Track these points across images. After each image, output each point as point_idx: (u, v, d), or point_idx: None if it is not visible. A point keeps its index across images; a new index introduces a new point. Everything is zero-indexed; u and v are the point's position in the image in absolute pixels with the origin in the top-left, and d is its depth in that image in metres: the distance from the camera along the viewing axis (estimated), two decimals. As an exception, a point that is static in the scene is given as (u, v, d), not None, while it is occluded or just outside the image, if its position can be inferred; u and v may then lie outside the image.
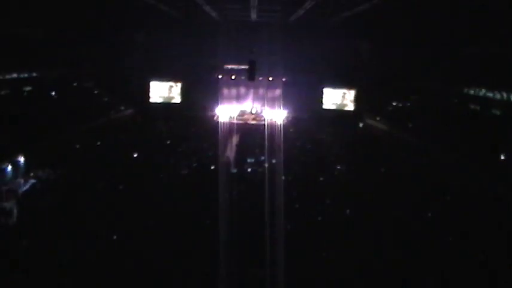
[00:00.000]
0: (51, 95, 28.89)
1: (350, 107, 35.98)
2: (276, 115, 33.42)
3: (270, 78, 35.22)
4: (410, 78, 33.47)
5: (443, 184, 19.73)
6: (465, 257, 13.17)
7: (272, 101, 35.19)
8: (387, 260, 12.88)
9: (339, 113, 35.55)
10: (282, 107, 34.25)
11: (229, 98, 35.91)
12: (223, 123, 30.45)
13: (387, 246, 14.05)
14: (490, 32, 23.03)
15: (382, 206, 17.48)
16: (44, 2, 23.37)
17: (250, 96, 36.54)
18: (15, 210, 16.46)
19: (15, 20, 25.03)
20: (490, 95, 25.47)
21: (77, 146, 25.26)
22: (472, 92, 27.14)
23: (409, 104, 34.19)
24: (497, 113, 24.41)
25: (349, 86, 35.77)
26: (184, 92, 36.06)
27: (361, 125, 35.03)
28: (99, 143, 26.09)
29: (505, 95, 24.06)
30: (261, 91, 36.10)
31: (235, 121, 33.01)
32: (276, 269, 11.85)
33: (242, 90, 36.68)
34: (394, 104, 35.18)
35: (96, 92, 34.54)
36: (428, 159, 24.27)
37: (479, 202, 16.97)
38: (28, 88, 28.02)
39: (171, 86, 36.14)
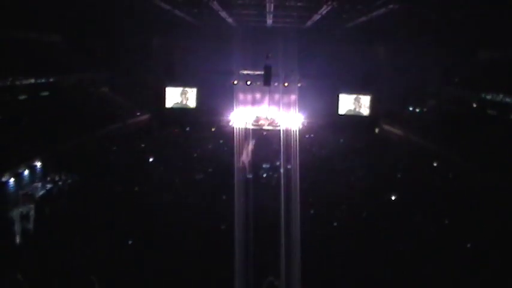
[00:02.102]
0: (68, 100, 29.12)
1: (365, 112, 35.74)
2: (291, 121, 33.31)
3: (286, 84, 35.14)
4: (426, 83, 33.22)
5: (461, 190, 19.46)
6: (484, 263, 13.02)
7: (287, 107, 35.11)
8: (405, 268, 12.70)
9: (354, 119, 35.33)
10: (297, 113, 34.14)
11: (245, 104, 35.90)
12: (239, 128, 30.39)
13: (404, 253, 13.87)
14: (507, 37, 22.81)
15: (398, 212, 17.31)
16: (62, 9, 23.66)
17: (266, 101, 36.47)
18: (32, 214, 16.56)
19: (34, 26, 25.40)
20: (508, 100, 25.15)
21: (93, 151, 25.44)
22: (489, 97, 26.81)
23: (425, 109, 33.87)
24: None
25: (364, 92, 35.54)
26: (199, 98, 36.13)
27: (377, 130, 34.76)
28: (115, 148, 26.23)
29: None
30: (277, 96, 36.00)
31: (250, 126, 32.95)
32: (292, 277, 11.74)
33: (257, 95, 36.65)
34: (410, 109, 34.90)
35: (112, 97, 34.79)
36: (445, 165, 23.98)
37: (498, 207, 16.72)
38: (45, 93, 28.28)
39: (187, 92, 36.22)
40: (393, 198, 19.22)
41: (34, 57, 27.19)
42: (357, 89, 35.60)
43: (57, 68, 29.25)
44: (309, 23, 28.48)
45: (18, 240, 14.95)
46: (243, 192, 17.29)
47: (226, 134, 29.94)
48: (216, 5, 23.32)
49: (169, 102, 36.29)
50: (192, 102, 36.25)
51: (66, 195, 19.35)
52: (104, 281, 11.56)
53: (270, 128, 33.79)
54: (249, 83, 35.53)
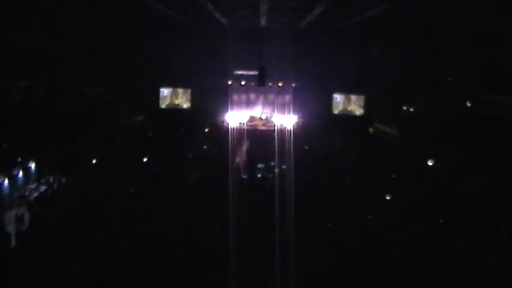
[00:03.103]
0: (62, 102, 28.99)
1: (360, 112, 35.78)
2: (286, 121, 33.33)
3: (280, 84, 35.09)
4: (421, 83, 33.28)
5: (456, 191, 19.55)
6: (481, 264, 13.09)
7: (282, 107, 35.09)
8: (401, 267, 12.77)
9: (349, 118, 35.36)
10: (291, 113, 34.15)
11: (239, 104, 35.84)
12: (233, 129, 30.39)
13: (400, 253, 13.96)
14: (503, 36, 22.89)
15: (394, 212, 17.40)
16: (53, 10, 23.58)
17: (260, 102, 36.41)
18: (26, 217, 16.53)
19: (26, 28, 25.29)
20: (502, 99, 25.22)
21: (88, 153, 25.38)
22: (484, 96, 26.88)
23: (420, 109, 33.95)
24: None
25: (359, 92, 35.58)
26: (193, 98, 36.07)
27: (371, 130, 34.85)
28: (109, 149, 26.18)
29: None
30: (271, 97, 35.96)
31: (245, 127, 32.94)
32: (287, 276, 11.79)
33: (252, 96, 36.55)
34: (404, 108, 34.97)
35: (106, 99, 34.67)
36: (440, 165, 24.06)
37: (494, 209, 16.80)
38: (39, 95, 28.15)
39: (181, 92, 36.16)
40: (388, 198, 19.35)
41: (27, 59, 27.04)
42: (351, 89, 35.62)
43: (49, 70, 29.08)
44: (303, 23, 28.51)
45: (13, 243, 14.93)
46: (237, 193, 17.38)
47: (220, 134, 29.94)
48: (209, 6, 23.33)
49: (163, 104, 36.24)
50: (186, 103, 36.20)
51: (61, 197, 19.36)
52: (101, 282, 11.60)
53: (264, 128, 33.78)
54: (243, 83, 35.45)
